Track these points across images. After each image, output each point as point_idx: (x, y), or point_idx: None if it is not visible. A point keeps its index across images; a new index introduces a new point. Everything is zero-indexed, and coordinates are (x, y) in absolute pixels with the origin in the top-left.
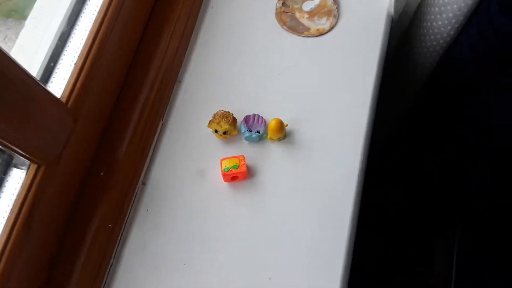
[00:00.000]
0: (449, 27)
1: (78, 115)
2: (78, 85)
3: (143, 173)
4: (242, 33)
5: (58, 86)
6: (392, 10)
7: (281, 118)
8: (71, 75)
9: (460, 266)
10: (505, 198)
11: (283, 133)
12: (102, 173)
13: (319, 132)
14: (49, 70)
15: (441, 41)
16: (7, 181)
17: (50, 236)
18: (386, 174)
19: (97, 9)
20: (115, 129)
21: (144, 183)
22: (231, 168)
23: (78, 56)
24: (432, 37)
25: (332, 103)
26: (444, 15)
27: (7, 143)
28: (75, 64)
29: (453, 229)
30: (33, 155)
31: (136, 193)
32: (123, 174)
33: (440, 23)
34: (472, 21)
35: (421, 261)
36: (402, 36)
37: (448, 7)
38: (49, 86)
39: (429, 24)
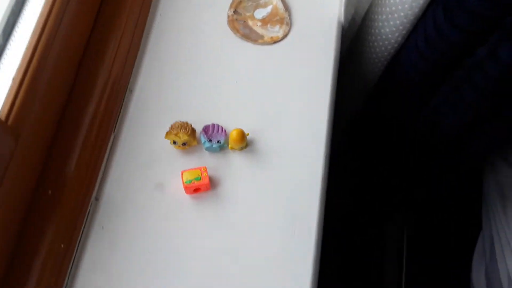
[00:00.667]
0: (396, 34)
1: (20, 133)
2: (18, 100)
3: (95, 188)
4: (194, 40)
5: None
6: (342, 18)
7: (240, 127)
8: (9, 90)
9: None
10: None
11: (244, 142)
12: (50, 191)
13: (280, 139)
14: None
15: (389, 47)
16: None
17: None
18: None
19: (36, 18)
20: (62, 144)
21: (97, 199)
22: (193, 180)
23: (17, 70)
24: (381, 43)
25: (291, 109)
26: (391, 22)
27: None
28: (13, 79)
29: (402, 228)
30: None
31: (89, 210)
32: (74, 190)
33: (388, 30)
34: (418, 28)
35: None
36: (351, 43)
37: (395, 15)
38: None
39: (377, 31)
